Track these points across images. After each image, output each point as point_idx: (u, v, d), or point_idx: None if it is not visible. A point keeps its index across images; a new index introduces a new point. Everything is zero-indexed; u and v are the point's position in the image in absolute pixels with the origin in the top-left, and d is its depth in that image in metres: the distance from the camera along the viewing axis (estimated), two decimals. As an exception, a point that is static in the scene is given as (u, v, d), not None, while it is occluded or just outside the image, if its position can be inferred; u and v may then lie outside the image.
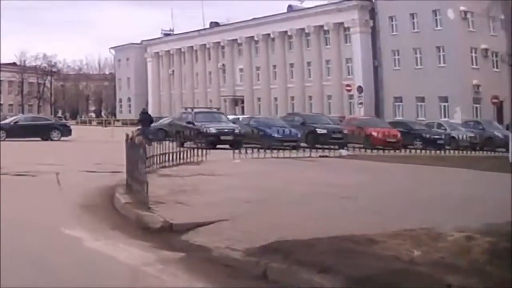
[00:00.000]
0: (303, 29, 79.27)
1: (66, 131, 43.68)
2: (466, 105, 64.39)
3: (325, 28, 77.05)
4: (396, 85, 69.69)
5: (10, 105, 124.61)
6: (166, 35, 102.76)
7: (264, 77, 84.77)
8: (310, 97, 79.21)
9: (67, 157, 24.81)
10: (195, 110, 39.10)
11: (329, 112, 74.05)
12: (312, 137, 37.71)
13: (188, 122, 35.02)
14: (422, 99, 67.95)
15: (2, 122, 45.72)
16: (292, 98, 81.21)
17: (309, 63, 79.74)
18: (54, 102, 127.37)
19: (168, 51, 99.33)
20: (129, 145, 14.20)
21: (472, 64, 65.94)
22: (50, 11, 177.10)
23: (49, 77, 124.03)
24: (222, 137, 33.63)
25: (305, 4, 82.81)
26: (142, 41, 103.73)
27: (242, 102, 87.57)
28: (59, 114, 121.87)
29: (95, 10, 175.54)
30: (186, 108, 41.97)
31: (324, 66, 78.24)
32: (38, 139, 40.78)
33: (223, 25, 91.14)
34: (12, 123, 42.63)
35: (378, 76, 73.57)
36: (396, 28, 70.87)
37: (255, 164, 20.72)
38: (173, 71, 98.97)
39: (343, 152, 25.91)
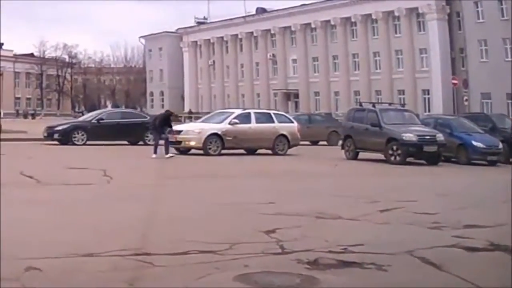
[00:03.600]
0: (369, 15, 70.44)
1: None
2: None
3: (396, 14, 68.23)
4: (483, 79, 60.41)
5: (28, 99, 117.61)
6: (200, 23, 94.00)
7: (322, 69, 75.65)
8: (378, 92, 70.09)
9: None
10: (379, 107, 27.60)
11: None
12: (508, 147, 26.54)
13: (374, 125, 25.09)
14: (514, 97, 58.90)
15: (81, 119, 36.51)
16: (356, 92, 72.15)
17: (376, 53, 71.01)
18: (74, 96, 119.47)
19: (208, 39, 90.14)
20: None
21: None
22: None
23: (69, 69, 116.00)
24: (425, 148, 24.03)
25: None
26: (178, 29, 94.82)
27: (296, 96, 78.78)
28: (80, 109, 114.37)
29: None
30: (360, 104, 30.41)
31: (393, 57, 69.60)
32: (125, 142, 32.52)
33: (273, 10, 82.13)
34: (94, 121, 32.41)
35: (456, 69, 64.68)
36: (483, 15, 61.63)
37: None
38: (213, 61, 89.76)
39: None
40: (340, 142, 38.02)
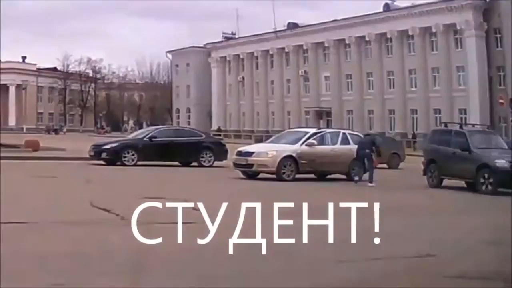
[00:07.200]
0: (405, 31, 71.31)
1: (221, 152, 31.29)
2: None
3: (433, 30, 68.90)
4: (524, 99, 60.88)
5: (50, 114, 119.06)
6: (228, 39, 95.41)
7: (356, 87, 76.63)
8: (414, 111, 70.99)
9: None
10: (467, 129, 25.13)
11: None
12: None
13: (463, 149, 22.74)
14: (555, 117, 59.28)
15: (131, 136, 34.49)
16: (391, 111, 73.12)
17: (411, 71, 71.73)
18: (97, 112, 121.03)
19: (237, 55, 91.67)
20: None
21: None
22: (94, 14, 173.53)
23: (92, 84, 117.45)
24: None
25: (400, 3, 75.26)
26: (206, 44, 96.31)
27: (329, 115, 79.49)
28: (102, 125, 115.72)
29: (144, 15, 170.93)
30: (445, 125, 28.35)
31: (430, 74, 70.14)
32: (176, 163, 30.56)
33: (306, 26, 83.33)
34: (146, 139, 30.39)
35: (493, 88, 65.13)
36: (523, 32, 62.21)
37: None
38: (243, 78, 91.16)
39: None
40: (398, 162, 36.43)
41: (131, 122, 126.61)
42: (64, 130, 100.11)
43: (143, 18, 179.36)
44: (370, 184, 23.21)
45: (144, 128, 70.91)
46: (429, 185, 23.77)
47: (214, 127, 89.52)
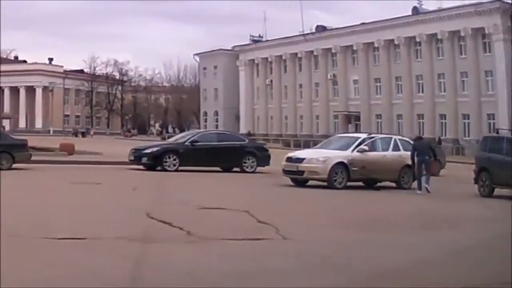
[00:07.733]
0: (434, 35, 72.03)
1: (263, 157, 30.81)
2: None
3: (462, 34, 69.42)
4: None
5: (77, 116, 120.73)
6: (255, 41, 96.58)
7: (385, 91, 77.45)
8: (443, 116, 71.73)
9: None
10: None
11: (466, 135, 67.64)
12: None
13: None
14: None
15: (172, 140, 34.12)
16: (420, 116, 73.95)
17: (440, 75, 72.28)
18: (124, 115, 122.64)
19: (266, 58, 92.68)
20: None
21: None
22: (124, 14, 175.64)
23: (119, 87, 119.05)
24: None
25: (428, 6, 76.28)
26: (234, 46, 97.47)
27: (357, 119, 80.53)
28: (128, 128, 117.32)
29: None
30: (497, 131, 27.94)
31: (458, 79, 70.52)
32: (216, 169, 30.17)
33: (334, 29, 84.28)
34: (187, 143, 29.99)
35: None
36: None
37: None
38: (271, 81, 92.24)
39: None
40: (439, 169, 33.87)
41: (157, 125, 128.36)
42: (92, 132, 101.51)
43: (170, 21, 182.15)
44: (419, 192, 22.97)
45: (177, 132, 71.84)
46: (480, 194, 22.94)
47: (242, 130, 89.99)
